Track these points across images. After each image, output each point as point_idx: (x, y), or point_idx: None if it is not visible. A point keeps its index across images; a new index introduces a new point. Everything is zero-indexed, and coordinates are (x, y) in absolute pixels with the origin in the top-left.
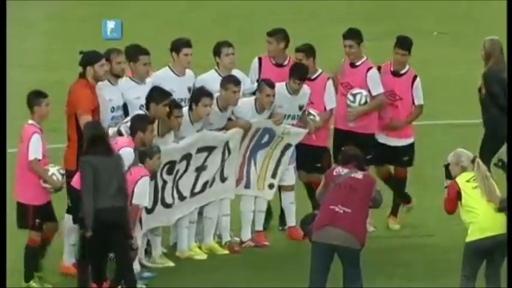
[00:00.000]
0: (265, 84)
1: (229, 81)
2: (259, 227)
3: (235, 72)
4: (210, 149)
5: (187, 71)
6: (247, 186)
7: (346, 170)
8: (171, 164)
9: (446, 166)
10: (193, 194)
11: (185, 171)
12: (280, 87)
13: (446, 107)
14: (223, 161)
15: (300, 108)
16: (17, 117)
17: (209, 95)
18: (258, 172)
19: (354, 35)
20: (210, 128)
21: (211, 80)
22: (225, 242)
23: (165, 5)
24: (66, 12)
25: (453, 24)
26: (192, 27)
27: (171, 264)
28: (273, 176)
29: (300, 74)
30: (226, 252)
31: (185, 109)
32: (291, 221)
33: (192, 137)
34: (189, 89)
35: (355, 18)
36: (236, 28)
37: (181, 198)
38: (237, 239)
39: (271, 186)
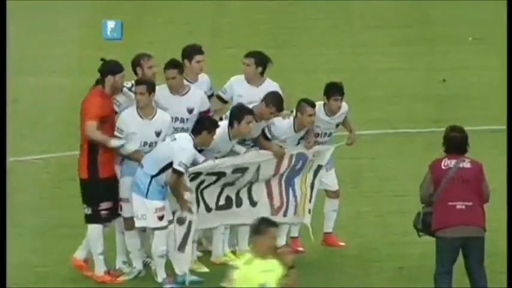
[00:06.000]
0: (306, 104)
1: (272, 101)
2: (295, 233)
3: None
4: (243, 171)
5: (200, 75)
6: (285, 214)
7: (453, 161)
8: (196, 175)
9: None
10: (218, 207)
11: (213, 183)
12: (318, 109)
13: (482, 112)
14: (250, 182)
15: (337, 126)
16: (53, 124)
17: (251, 112)
18: (298, 200)
19: None
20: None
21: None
22: None
23: (193, 10)
24: (97, 21)
25: (486, 29)
26: (221, 33)
27: (206, 269)
28: (310, 200)
29: (338, 90)
30: None
31: (223, 123)
32: (329, 227)
33: (233, 159)
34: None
35: (388, 25)
36: (267, 33)
37: (208, 209)
38: None
39: (309, 211)
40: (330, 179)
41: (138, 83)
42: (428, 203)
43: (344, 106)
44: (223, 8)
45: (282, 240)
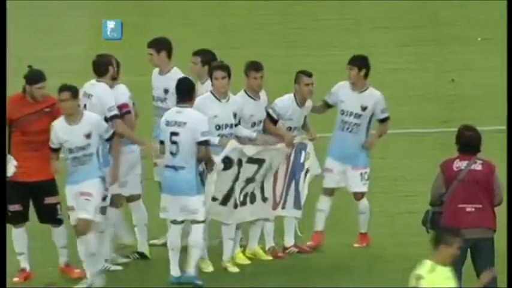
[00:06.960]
0: (302, 74)
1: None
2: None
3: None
4: (260, 162)
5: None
6: (283, 207)
7: (465, 163)
8: (229, 163)
9: None
10: (241, 203)
11: (236, 179)
12: (344, 84)
13: (491, 112)
14: (264, 176)
15: (363, 109)
16: None
17: (221, 67)
18: (301, 193)
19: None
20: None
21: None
22: (269, 248)
23: (200, 12)
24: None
25: (495, 30)
26: (228, 33)
27: (211, 269)
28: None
29: (358, 61)
30: (270, 258)
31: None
32: (361, 228)
33: (252, 148)
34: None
35: (397, 26)
36: (275, 34)
37: (235, 205)
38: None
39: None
40: (355, 181)
41: (61, 89)
42: (439, 202)
43: (375, 91)
44: (230, 9)
45: (290, 240)
